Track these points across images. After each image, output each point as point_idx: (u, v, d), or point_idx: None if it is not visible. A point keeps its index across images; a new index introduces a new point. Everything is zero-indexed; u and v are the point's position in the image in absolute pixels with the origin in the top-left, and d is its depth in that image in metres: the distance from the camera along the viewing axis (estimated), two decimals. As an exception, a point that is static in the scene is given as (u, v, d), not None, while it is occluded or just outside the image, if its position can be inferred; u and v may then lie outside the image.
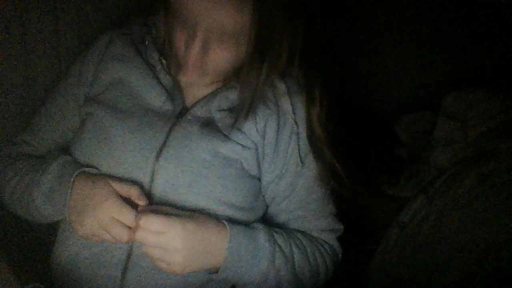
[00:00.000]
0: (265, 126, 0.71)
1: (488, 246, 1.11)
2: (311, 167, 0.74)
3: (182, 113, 0.71)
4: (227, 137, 0.69)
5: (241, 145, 0.69)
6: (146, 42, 0.74)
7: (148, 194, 0.66)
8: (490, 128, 1.29)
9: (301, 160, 0.72)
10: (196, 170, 0.67)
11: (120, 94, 0.72)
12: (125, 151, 0.67)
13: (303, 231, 0.76)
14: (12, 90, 0.88)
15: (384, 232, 1.31)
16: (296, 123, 0.72)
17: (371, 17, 1.67)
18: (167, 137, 0.68)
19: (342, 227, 0.80)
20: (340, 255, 0.80)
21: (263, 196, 0.76)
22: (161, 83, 0.72)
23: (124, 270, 0.66)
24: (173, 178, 0.66)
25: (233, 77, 0.71)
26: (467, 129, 1.32)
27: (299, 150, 0.72)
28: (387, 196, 1.37)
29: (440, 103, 1.42)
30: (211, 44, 0.62)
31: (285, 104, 0.71)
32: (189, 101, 0.73)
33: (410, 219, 1.26)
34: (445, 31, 1.64)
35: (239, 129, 0.70)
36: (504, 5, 1.50)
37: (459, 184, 1.20)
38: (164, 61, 0.73)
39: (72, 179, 0.65)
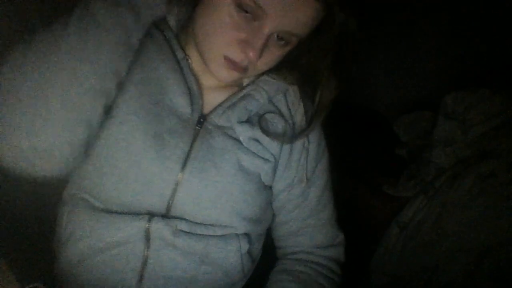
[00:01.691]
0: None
1: (488, 246, 1.11)
2: (321, 176, 0.75)
3: (200, 120, 0.68)
4: (249, 150, 0.68)
5: (262, 158, 0.69)
6: (166, 37, 0.68)
7: (168, 206, 0.64)
8: (490, 128, 1.29)
9: (306, 177, 0.73)
10: (221, 185, 0.65)
11: (146, 86, 0.66)
12: (146, 159, 0.62)
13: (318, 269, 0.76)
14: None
15: (384, 232, 1.31)
16: (308, 139, 0.72)
17: (371, 16, 1.67)
18: (191, 148, 0.65)
19: (343, 237, 0.81)
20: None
21: (271, 205, 0.76)
22: (186, 82, 0.68)
23: (140, 278, 0.64)
24: (197, 192, 0.64)
25: (251, 81, 0.71)
26: (467, 129, 1.33)
27: (306, 165, 0.72)
28: (387, 196, 1.37)
29: (440, 103, 1.42)
30: None
31: (301, 119, 0.72)
32: (205, 106, 0.70)
33: (410, 219, 1.26)
34: (445, 31, 1.64)
35: (259, 142, 0.69)
36: (504, 5, 1.50)
37: (459, 184, 1.20)
38: (190, 60, 0.69)
39: None
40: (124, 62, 0.59)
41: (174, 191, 0.64)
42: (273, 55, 0.63)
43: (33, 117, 0.54)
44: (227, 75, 0.63)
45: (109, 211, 0.64)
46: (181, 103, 0.66)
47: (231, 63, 0.61)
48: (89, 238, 0.64)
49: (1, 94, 0.54)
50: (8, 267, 0.58)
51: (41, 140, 0.55)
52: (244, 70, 0.63)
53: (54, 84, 0.54)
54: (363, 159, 1.53)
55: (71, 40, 0.54)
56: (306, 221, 0.76)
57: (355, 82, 1.73)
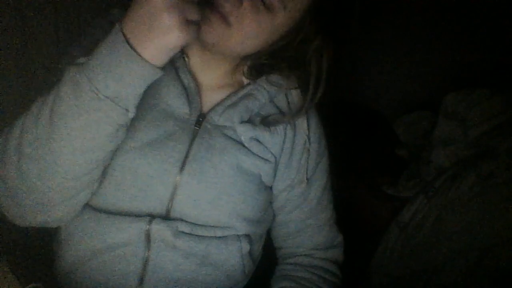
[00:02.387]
0: (284, 137, 0.70)
1: (488, 246, 1.11)
2: (321, 176, 0.75)
3: (199, 119, 0.66)
4: (249, 151, 0.67)
5: (263, 158, 0.68)
6: None
7: (167, 209, 0.64)
8: (490, 128, 1.29)
9: (307, 178, 0.73)
10: (220, 186, 0.64)
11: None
12: (142, 165, 0.62)
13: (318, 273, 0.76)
14: (11, 87, 0.88)
15: (384, 232, 1.31)
16: (309, 139, 0.72)
17: (371, 17, 1.67)
18: (189, 149, 0.64)
19: (342, 237, 0.81)
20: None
21: (271, 205, 0.76)
22: (182, 82, 0.67)
23: (141, 280, 0.64)
24: (196, 194, 0.64)
25: (250, 79, 0.70)
26: (467, 129, 1.33)
27: (307, 166, 0.72)
28: (387, 196, 1.37)
29: (440, 103, 1.42)
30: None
31: (301, 120, 0.71)
32: (204, 105, 0.68)
33: (410, 219, 1.26)
34: (445, 31, 1.64)
35: (260, 141, 0.69)
36: (504, 5, 1.50)
37: (459, 184, 1.20)
38: (187, 59, 0.68)
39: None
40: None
41: (173, 193, 0.63)
42: (256, 18, 0.59)
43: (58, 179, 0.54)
44: (209, 30, 0.58)
45: (110, 213, 0.64)
46: (177, 104, 0.65)
47: (212, 8, 0.57)
48: (90, 239, 0.63)
49: (26, 164, 0.54)
50: (8, 267, 0.58)
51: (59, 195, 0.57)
52: (226, 21, 0.58)
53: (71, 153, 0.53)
54: (363, 159, 1.53)
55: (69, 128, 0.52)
56: (306, 222, 0.76)
57: (355, 81, 1.74)
